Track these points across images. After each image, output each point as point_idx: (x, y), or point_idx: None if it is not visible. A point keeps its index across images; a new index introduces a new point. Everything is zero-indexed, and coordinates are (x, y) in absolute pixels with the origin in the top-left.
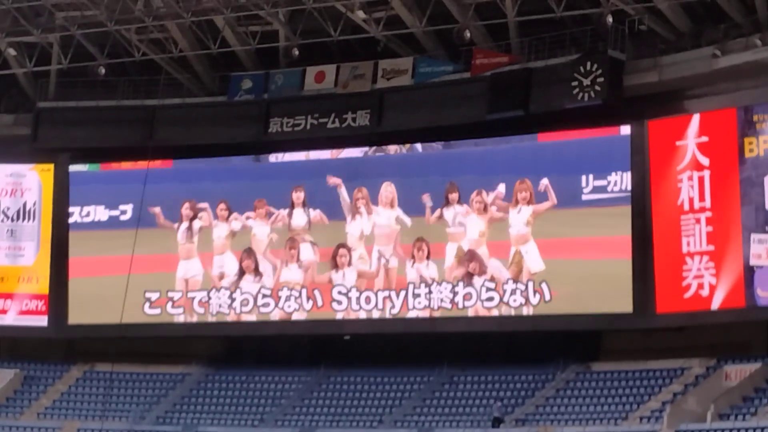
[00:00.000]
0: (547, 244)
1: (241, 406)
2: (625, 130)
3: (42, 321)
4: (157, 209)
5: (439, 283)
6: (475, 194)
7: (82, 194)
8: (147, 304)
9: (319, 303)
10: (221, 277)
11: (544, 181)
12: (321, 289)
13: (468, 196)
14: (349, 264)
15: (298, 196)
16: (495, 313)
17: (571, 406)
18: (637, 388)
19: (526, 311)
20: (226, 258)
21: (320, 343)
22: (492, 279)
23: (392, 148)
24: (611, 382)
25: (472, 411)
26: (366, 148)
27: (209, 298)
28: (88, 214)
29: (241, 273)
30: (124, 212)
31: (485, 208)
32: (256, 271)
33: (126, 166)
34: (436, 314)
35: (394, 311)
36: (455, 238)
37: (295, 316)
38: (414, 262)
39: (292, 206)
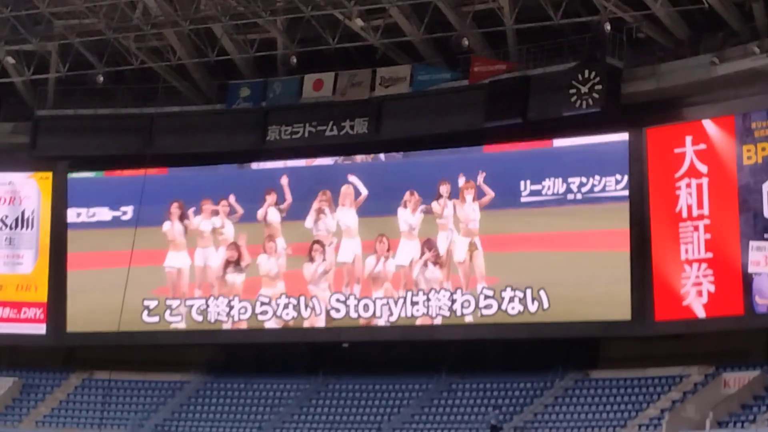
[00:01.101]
0: (538, 239)
1: (240, 414)
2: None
3: (40, 329)
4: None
5: (437, 291)
6: (408, 194)
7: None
8: (145, 312)
9: (318, 311)
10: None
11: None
12: (296, 281)
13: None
14: (324, 258)
15: (272, 198)
16: (493, 320)
17: (569, 414)
18: (636, 396)
19: (525, 319)
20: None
21: (318, 350)
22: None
23: (359, 157)
24: (610, 390)
25: (471, 419)
26: (336, 157)
27: (207, 305)
28: (93, 215)
29: (226, 264)
30: (125, 213)
31: (416, 207)
32: (237, 264)
33: (126, 173)
34: (435, 322)
35: (393, 319)
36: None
37: (293, 324)
38: (377, 256)
39: (266, 207)
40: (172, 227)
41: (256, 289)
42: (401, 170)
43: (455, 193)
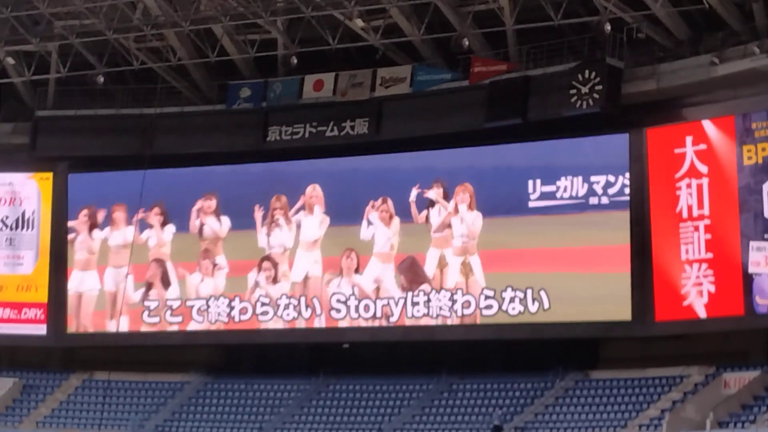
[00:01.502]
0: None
1: (240, 414)
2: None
3: (41, 330)
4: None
5: (438, 291)
6: (380, 201)
7: None
8: (146, 313)
9: (318, 311)
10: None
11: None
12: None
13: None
14: (275, 280)
15: (209, 204)
16: (494, 321)
17: (570, 414)
18: (636, 396)
19: (525, 319)
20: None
21: (319, 351)
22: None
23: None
24: (610, 390)
25: (471, 419)
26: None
27: (208, 306)
28: None
29: (147, 288)
30: None
31: (390, 218)
32: (164, 286)
33: None
34: (435, 322)
35: (393, 319)
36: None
37: (294, 324)
38: (342, 275)
39: (203, 215)
40: (76, 239)
41: (186, 321)
42: (376, 172)
43: (447, 199)
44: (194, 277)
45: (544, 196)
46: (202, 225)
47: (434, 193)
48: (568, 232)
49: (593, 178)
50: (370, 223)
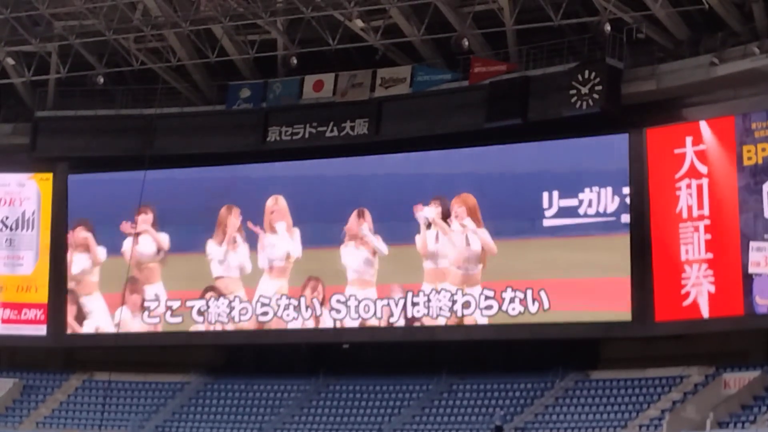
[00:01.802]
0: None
1: (240, 414)
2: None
3: (41, 330)
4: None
5: (438, 291)
6: (354, 217)
7: None
8: (146, 313)
9: (318, 311)
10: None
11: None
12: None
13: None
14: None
15: (147, 218)
16: (494, 321)
17: (570, 415)
18: (636, 396)
19: (525, 319)
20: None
21: (319, 351)
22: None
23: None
24: (610, 391)
25: (471, 419)
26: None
27: (208, 306)
28: None
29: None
30: None
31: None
32: (78, 320)
33: None
34: (435, 322)
35: (393, 319)
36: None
37: (294, 325)
38: (306, 309)
39: (135, 232)
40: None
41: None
42: (366, 179)
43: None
44: (121, 316)
45: (562, 212)
46: (133, 246)
47: (431, 211)
48: (592, 259)
49: (626, 190)
50: (347, 242)
